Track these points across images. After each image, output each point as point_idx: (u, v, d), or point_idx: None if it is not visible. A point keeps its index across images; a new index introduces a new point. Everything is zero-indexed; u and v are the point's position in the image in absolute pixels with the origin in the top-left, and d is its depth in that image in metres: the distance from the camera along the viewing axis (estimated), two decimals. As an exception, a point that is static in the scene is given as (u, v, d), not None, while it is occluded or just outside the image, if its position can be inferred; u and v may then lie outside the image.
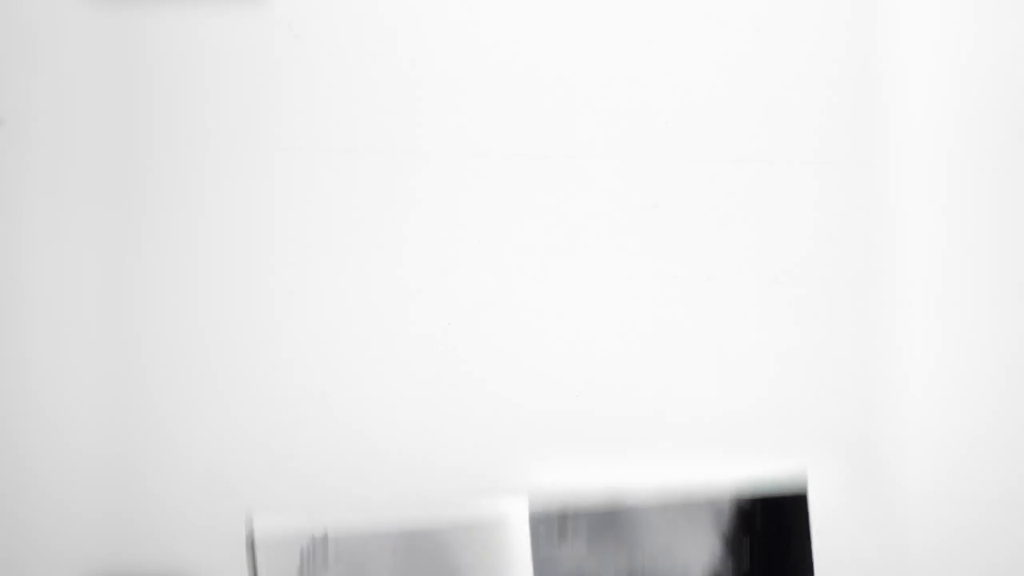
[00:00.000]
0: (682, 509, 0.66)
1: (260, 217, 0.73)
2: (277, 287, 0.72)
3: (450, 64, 0.75)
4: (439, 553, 0.63)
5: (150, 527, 0.80)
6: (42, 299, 0.80)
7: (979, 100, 0.74)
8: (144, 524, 0.80)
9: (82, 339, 0.79)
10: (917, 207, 0.74)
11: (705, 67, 0.74)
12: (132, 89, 0.79)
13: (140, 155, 0.79)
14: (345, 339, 0.72)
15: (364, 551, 0.64)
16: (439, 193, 0.72)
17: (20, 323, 0.80)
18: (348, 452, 0.69)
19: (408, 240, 0.73)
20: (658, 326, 0.72)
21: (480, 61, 0.75)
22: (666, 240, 0.73)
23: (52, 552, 0.82)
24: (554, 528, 0.63)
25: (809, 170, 0.74)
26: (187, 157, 0.77)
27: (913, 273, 0.74)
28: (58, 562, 0.82)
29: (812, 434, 0.75)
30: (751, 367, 0.74)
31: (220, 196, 0.74)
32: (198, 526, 0.75)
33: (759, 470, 0.72)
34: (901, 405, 0.75)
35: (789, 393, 0.74)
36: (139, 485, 0.79)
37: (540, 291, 0.72)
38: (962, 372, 0.74)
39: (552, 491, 0.68)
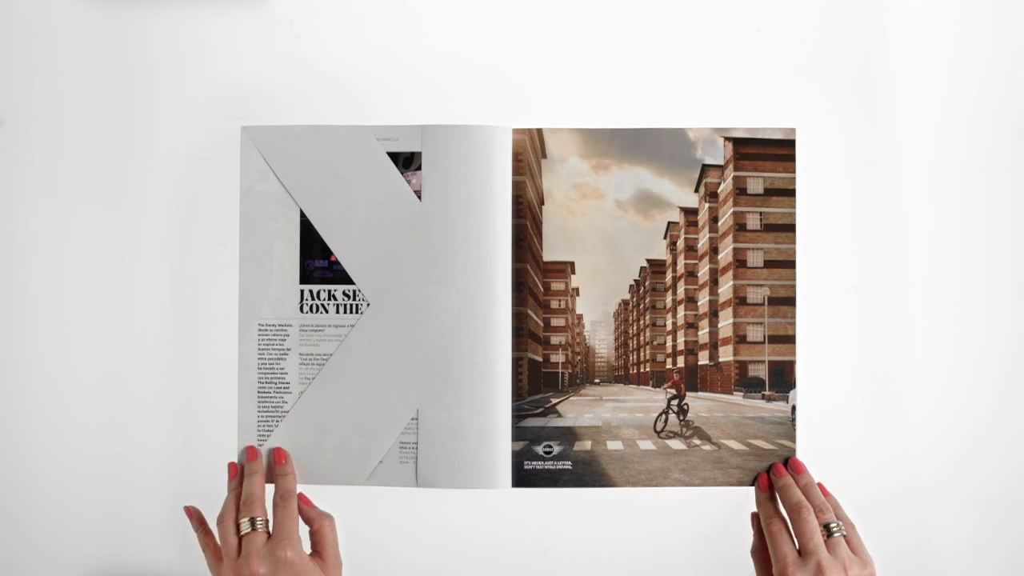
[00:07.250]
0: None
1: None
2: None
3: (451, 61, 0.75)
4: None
5: (150, 527, 0.80)
6: (42, 299, 0.80)
7: (979, 100, 0.74)
8: (144, 524, 0.80)
9: (82, 339, 0.79)
10: (917, 207, 0.74)
11: (705, 67, 0.74)
12: (132, 89, 0.79)
13: (140, 155, 0.79)
14: None
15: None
16: None
17: (20, 323, 0.80)
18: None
19: None
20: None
21: (480, 61, 0.75)
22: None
23: (52, 552, 0.82)
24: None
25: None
26: (187, 156, 0.77)
27: (913, 273, 0.74)
28: (58, 562, 0.82)
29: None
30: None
31: (219, 195, 0.74)
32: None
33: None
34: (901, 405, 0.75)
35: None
36: (139, 485, 0.79)
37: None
38: (962, 372, 0.75)
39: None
